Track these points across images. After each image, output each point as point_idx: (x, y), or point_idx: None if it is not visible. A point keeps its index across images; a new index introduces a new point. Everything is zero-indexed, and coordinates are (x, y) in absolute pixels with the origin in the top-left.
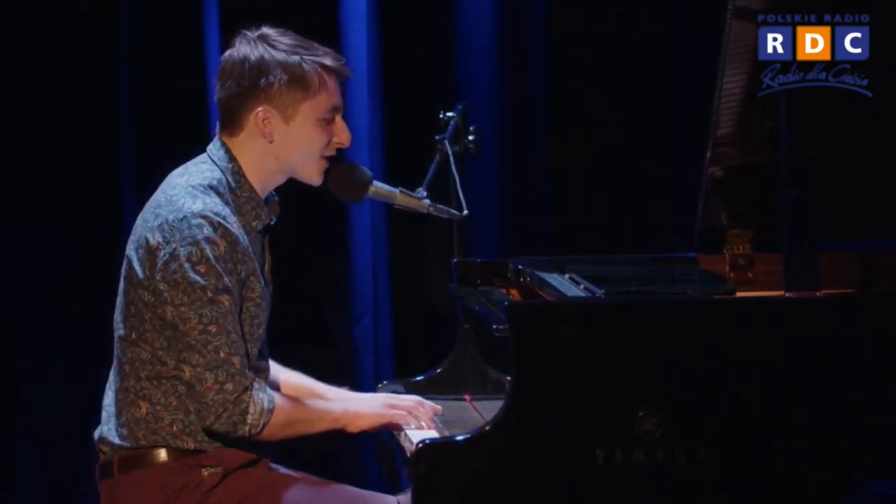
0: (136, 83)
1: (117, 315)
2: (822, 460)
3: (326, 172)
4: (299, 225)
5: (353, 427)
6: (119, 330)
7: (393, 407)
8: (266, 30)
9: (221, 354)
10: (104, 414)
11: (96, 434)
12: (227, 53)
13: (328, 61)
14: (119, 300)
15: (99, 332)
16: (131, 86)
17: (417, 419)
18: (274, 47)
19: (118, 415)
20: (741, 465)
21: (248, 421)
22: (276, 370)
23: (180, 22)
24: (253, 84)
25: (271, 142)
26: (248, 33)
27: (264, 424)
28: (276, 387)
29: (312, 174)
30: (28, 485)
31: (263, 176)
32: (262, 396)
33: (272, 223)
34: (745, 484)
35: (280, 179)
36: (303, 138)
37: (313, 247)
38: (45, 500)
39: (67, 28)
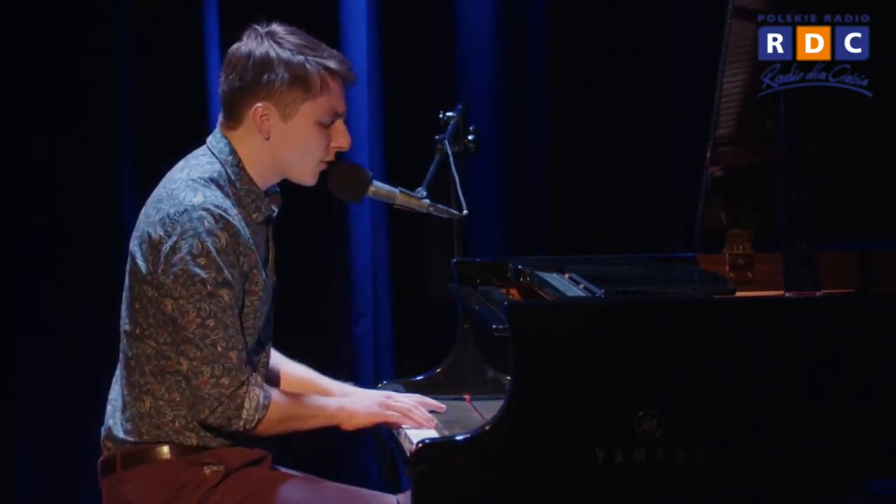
0: (136, 82)
1: (123, 310)
2: (822, 460)
3: (324, 173)
4: (299, 225)
5: (348, 425)
6: (125, 325)
7: (389, 407)
8: (275, 27)
9: (218, 349)
10: (109, 408)
11: (103, 429)
12: (234, 46)
13: (332, 64)
14: (124, 295)
15: (99, 331)
16: (131, 84)
17: (413, 420)
18: (280, 45)
19: (123, 409)
20: (741, 465)
21: (243, 416)
22: (280, 361)
23: (180, 21)
24: (255, 79)
25: (268, 138)
26: (258, 28)
27: (259, 420)
28: (276, 378)
29: (306, 176)
30: (28, 484)
31: (260, 171)
32: (257, 392)
33: (274, 214)
34: (745, 484)
35: (275, 178)
36: (299, 138)
37: (313, 247)
38: (45, 500)
39: (67, 27)
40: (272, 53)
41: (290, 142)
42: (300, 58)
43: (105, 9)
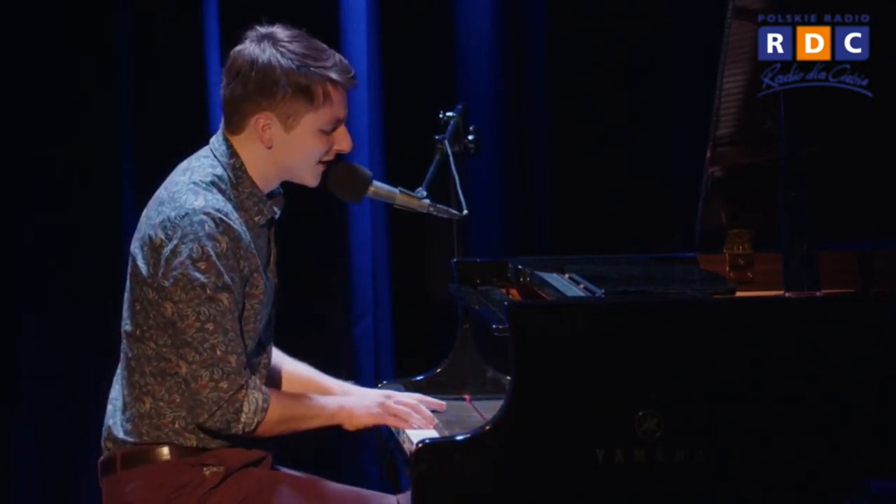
0: (136, 82)
1: (124, 311)
2: (822, 460)
3: (325, 174)
4: (299, 225)
5: (349, 425)
6: (125, 326)
7: (389, 412)
8: (278, 31)
9: (218, 353)
10: (110, 408)
11: (103, 429)
12: (236, 49)
13: (335, 74)
14: (126, 296)
15: (99, 331)
16: (131, 84)
17: (412, 426)
18: (282, 54)
19: (124, 409)
20: (741, 465)
21: (242, 420)
22: (281, 360)
23: (180, 21)
24: (257, 90)
25: (269, 147)
26: (260, 29)
27: (258, 423)
28: (278, 377)
29: (308, 178)
30: (28, 484)
31: (262, 175)
32: (256, 396)
33: (276, 216)
34: (745, 484)
35: (277, 181)
36: (302, 147)
37: (313, 247)
38: (45, 500)
39: (67, 27)
40: (274, 62)
41: (292, 150)
42: (303, 69)
43: (105, 9)
